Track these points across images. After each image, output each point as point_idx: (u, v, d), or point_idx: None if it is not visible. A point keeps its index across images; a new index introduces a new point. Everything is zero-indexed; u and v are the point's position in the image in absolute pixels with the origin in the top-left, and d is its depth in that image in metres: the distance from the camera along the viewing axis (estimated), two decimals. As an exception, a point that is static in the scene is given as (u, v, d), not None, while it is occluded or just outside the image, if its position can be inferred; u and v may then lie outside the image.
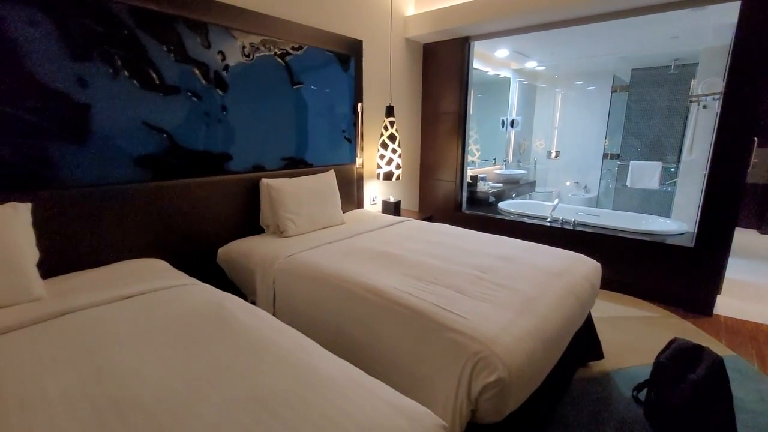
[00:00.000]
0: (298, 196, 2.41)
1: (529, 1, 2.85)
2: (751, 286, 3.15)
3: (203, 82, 2.11)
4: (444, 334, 1.27)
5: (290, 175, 2.55)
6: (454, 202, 3.86)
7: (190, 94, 2.07)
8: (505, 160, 5.26)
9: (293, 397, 0.92)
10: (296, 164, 2.70)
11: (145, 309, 1.38)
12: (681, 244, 2.81)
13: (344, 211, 2.96)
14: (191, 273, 1.81)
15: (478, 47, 3.89)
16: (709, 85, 3.41)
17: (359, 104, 3.10)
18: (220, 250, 2.23)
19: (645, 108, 4.89)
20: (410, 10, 3.55)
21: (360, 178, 3.25)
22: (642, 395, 1.76)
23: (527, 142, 5.75)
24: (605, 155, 5.26)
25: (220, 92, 2.20)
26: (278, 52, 2.46)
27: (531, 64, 5.04)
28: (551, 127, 5.76)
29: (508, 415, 1.22)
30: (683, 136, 4.35)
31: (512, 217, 3.70)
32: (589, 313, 1.98)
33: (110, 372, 1.01)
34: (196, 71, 2.08)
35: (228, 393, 0.94)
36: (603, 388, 1.88)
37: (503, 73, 4.86)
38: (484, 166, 4.90)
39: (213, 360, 1.08)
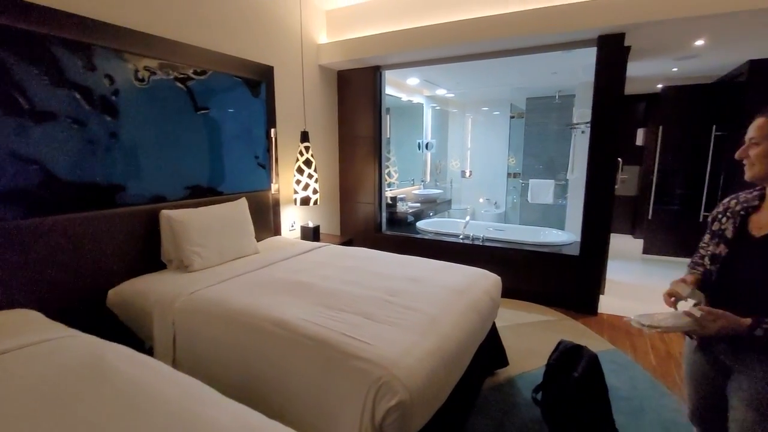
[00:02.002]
0: (204, 226, 2.28)
1: (429, 38, 3.10)
2: (628, 285, 3.68)
3: (87, 107, 1.92)
4: (349, 362, 1.28)
5: (196, 205, 2.41)
6: (374, 224, 3.95)
7: (70, 120, 1.87)
8: (422, 181, 5.53)
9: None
10: (203, 193, 2.55)
11: (5, 370, 1.18)
12: (570, 253, 3.19)
13: (260, 239, 2.86)
14: (75, 322, 1.60)
15: (389, 75, 4.11)
16: (581, 115, 3.99)
17: (272, 130, 3.06)
18: (111, 292, 2.00)
19: (539, 132, 5.54)
20: (322, 38, 3.64)
21: (276, 204, 3.18)
22: (540, 396, 1.93)
23: (443, 163, 6.14)
24: (509, 174, 5.81)
25: (109, 118, 2.02)
26: (178, 77, 2.34)
27: (441, 92, 5.43)
28: (464, 149, 6.24)
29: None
30: (567, 157, 5.00)
31: (429, 236, 3.89)
32: (494, 323, 2.15)
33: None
34: (78, 96, 1.89)
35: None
36: (508, 393, 2.03)
37: (417, 99, 5.18)
38: (403, 187, 5.10)
39: (85, 424, 0.96)
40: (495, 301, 2.04)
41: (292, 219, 3.43)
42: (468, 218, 3.81)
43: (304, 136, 3.21)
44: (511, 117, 5.71)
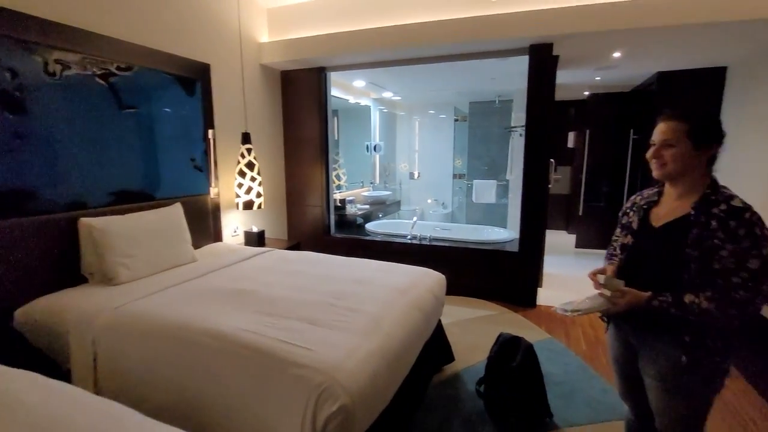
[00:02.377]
0: (132, 235, 2.11)
1: (372, 41, 3.12)
2: (563, 277, 3.94)
3: (-16, 104, 1.70)
4: (288, 370, 1.24)
5: (123, 212, 2.22)
6: (323, 227, 3.89)
7: (-38, 118, 1.64)
8: (372, 183, 5.55)
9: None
10: (131, 198, 2.36)
11: None
12: (511, 249, 3.36)
13: (198, 247, 2.70)
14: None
15: (336, 77, 4.08)
16: (518, 119, 4.23)
17: (210, 131, 2.91)
18: (19, 312, 1.78)
19: (482, 135, 5.79)
20: (264, 37, 3.53)
21: (217, 209, 3.02)
22: (483, 388, 2.00)
23: (392, 165, 6.20)
24: (455, 175, 6.01)
25: (12, 116, 1.80)
26: (98, 72, 2.15)
27: (387, 94, 5.49)
28: (412, 151, 6.35)
29: (360, 438, 1.24)
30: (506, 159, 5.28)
31: (378, 238, 3.91)
32: (439, 321, 2.20)
33: None
34: (-28, 91, 1.67)
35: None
36: (454, 388, 2.09)
37: (364, 102, 5.19)
38: (352, 189, 5.08)
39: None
40: (439, 298, 2.09)
41: (235, 224, 3.28)
42: (415, 219, 3.88)
43: (246, 138, 3.08)
44: (456, 120, 5.91)
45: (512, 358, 1.81)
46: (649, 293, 1.09)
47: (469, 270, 3.38)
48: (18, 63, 1.81)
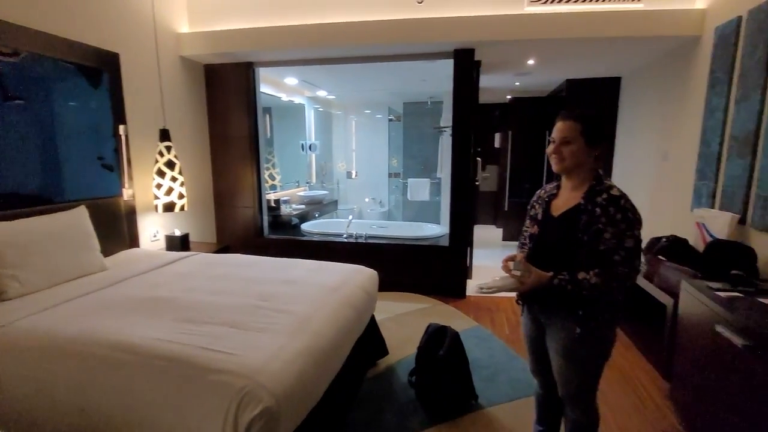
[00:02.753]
0: (23, 243, 1.86)
1: (300, 38, 3.07)
2: (491, 269, 4.21)
3: None
4: (208, 377, 1.18)
5: (12, 217, 1.95)
6: (255, 228, 3.75)
7: None
8: (308, 182, 5.46)
9: None
10: (20, 202, 2.07)
11: None
12: (442, 244, 3.51)
13: (111, 254, 2.46)
14: None
15: (266, 73, 3.95)
16: (446, 119, 4.43)
17: (122, 126, 2.66)
18: None
19: (416, 134, 5.96)
20: (184, 27, 3.30)
21: (132, 212, 2.77)
22: (414, 378, 2.07)
23: (329, 164, 6.15)
24: (391, 174, 6.13)
25: None
26: (-25, 57, 1.86)
27: (321, 93, 5.44)
28: (349, 150, 6.35)
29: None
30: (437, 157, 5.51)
31: (314, 237, 3.86)
32: (373, 316, 2.23)
33: None
34: None
35: None
36: (388, 380, 2.14)
37: (297, 100, 5.08)
38: (287, 189, 4.95)
39: None
40: (371, 294, 2.13)
41: (155, 228, 3.03)
42: (351, 218, 3.90)
43: (164, 135, 2.87)
44: (390, 120, 6.02)
45: (440, 347, 1.90)
46: (551, 273, 1.23)
47: (403, 266, 3.47)
48: None
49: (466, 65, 3.18)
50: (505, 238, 5.26)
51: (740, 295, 1.59)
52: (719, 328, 1.45)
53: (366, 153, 6.25)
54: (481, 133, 4.52)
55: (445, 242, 3.53)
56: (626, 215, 1.16)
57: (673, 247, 2.37)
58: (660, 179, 3.19)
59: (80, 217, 2.19)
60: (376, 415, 1.85)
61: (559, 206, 1.32)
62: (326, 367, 1.48)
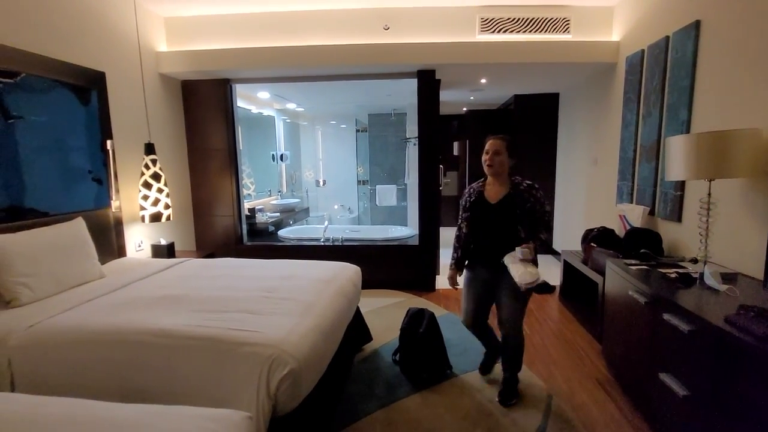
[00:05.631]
0: (31, 253, 1.98)
1: (275, 59, 3.35)
2: (455, 265, 4.63)
3: None
4: (239, 350, 1.43)
5: (16, 229, 2.06)
6: (235, 236, 3.92)
7: None
8: (279, 191, 5.65)
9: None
10: (23, 215, 2.18)
11: None
12: (413, 244, 3.88)
13: (102, 263, 2.57)
14: None
15: (239, 88, 4.14)
16: (411, 131, 4.84)
17: (109, 141, 2.78)
18: None
19: (381, 144, 6.34)
20: (162, 46, 3.46)
21: (119, 223, 2.89)
22: (398, 356, 2.39)
23: (298, 173, 6.37)
24: (359, 181, 6.45)
25: None
26: (-21, 80, 1.98)
27: (291, 106, 5.67)
28: (317, 159, 6.61)
29: (304, 402, 1.49)
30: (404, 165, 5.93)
31: (292, 242, 4.08)
32: (358, 308, 2.53)
33: None
34: None
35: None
36: (374, 361, 2.44)
37: (267, 112, 5.28)
38: (261, 198, 5.12)
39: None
40: (357, 287, 2.43)
41: (139, 238, 3.14)
42: (327, 223, 4.17)
43: (150, 149, 3.01)
44: (357, 130, 6.36)
45: (419, 326, 2.23)
46: (531, 242, 1.84)
47: (378, 265, 3.79)
48: None
49: (428, 83, 3.60)
50: (466, 238, 5.73)
51: (647, 267, 2.07)
52: (631, 293, 1.91)
53: (333, 162, 6.54)
54: (442, 142, 4.97)
55: (415, 242, 3.89)
56: (539, 192, 1.89)
57: (603, 236, 2.88)
58: (592, 179, 3.77)
59: (79, 227, 2.32)
60: (368, 389, 2.15)
61: (492, 197, 1.94)
62: (330, 343, 1.76)
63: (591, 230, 3.04)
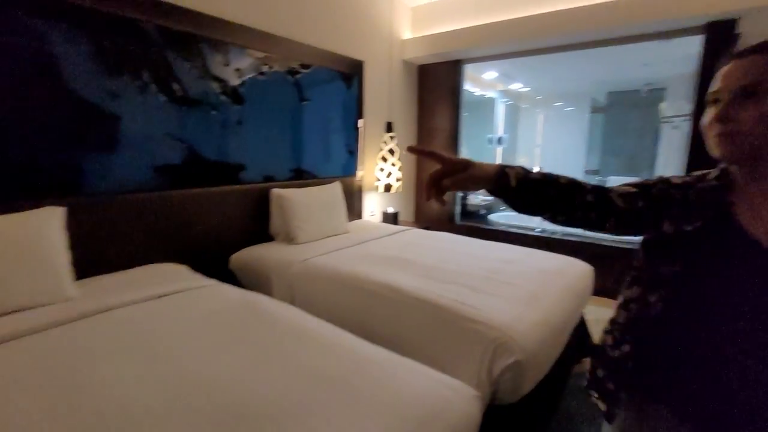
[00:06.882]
0: (306, 205, 2.53)
1: (514, 30, 3.12)
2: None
3: (222, 96, 2.24)
4: (463, 324, 1.40)
5: (298, 186, 2.67)
6: (448, 214, 4.04)
7: (209, 107, 2.18)
8: (492, 175, 5.49)
9: (341, 375, 1.03)
10: (303, 175, 2.82)
11: (179, 307, 1.46)
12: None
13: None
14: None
15: (468, 69, 4.16)
16: (677, 108, 3.75)
17: (360, 120, 3.27)
18: (233, 257, 2.31)
19: (620, 128, 5.26)
20: (407, 34, 3.79)
21: (360, 190, 3.39)
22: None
23: (513, 159, 6.04)
24: (586, 171, 5.58)
25: (237, 106, 2.32)
26: (288, 70, 2.61)
27: (516, 86, 5.36)
28: (533, 145, 6.09)
29: (523, 398, 1.35)
30: (655, 153, 4.72)
31: (502, 227, 3.90)
32: (582, 313, 2.15)
33: (167, 360, 1.09)
34: (216, 86, 2.20)
35: (281, 372, 1.04)
36: (598, 381, 2.04)
37: (489, 94, 5.16)
38: (473, 181, 5.11)
39: (260, 345, 1.17)
40: (588, 288, 2.06)
41: (372, 205, 3.63)
42: (544, 212, 3.76)
43: (389, 127, 3.38)
44: (592, 112, 5.47)
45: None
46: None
47: (605, 268, 3.16)
48: (242, 64, 2.32)
49: (722, 41, 2.64)
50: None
51: None
52: None
53: (553, 148, 5.87)
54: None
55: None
56: None
57: None
58: None
59: (336, 189, 2.83)
60: (590, 411, 1.81)
61: (760, 224, 0.67)
62: (556, 344, 1.54)
63: None
